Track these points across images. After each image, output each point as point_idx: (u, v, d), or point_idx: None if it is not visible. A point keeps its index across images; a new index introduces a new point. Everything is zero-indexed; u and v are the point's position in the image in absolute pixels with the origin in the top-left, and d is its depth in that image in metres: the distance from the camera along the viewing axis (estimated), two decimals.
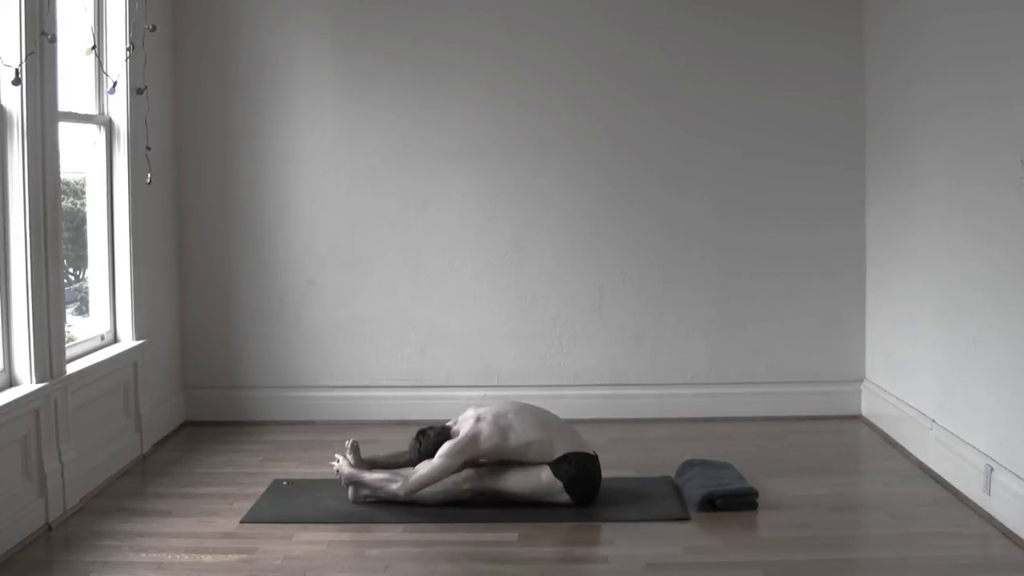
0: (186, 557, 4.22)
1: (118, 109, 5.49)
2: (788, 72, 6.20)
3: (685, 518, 4.60)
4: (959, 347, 4.88)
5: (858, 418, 6.24)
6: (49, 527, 4.53)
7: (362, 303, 6.32)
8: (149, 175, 5.35)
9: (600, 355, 6.33)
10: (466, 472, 4.74)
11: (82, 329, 5.46)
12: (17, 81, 4.22)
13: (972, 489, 4.66)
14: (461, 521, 4.58)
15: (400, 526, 4.56)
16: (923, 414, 5.29)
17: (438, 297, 6.32)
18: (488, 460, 4.75)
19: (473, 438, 4.69)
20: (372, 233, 6.29)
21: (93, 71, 5.35)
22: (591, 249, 6.30)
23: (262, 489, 5.03)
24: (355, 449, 4.89)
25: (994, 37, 4.50)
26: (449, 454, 4.66)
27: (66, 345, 4.82)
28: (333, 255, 6.31)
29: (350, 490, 4.83)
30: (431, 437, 4.76)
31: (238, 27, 6.22)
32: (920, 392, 5.37)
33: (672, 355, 6.33)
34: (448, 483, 4.71)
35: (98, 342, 5.41)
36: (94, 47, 5.12)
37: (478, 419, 4.76)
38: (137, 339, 5.60)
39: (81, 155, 5.42)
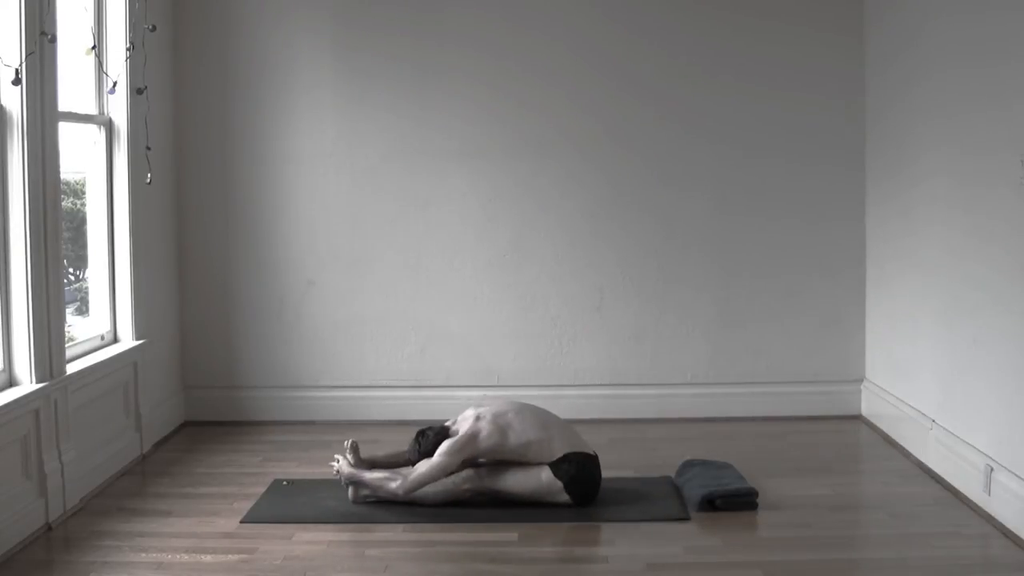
0: (186, 557, 4.22)
1: (118, 109, 5.49)
2: (788, 72, 6.20)
3: (685, 518, 4.60)
4: (959, 347, 4.87)
5: (858, 418, 6.24)
6: (49, 527, 4.53)
7: (362, 303, 6.32)
8: (149, 175, 5.35)
9: (600, 355, 6.33)
10: (466, 472, 4.74)
11: (82, 329, 5.46)
12: (17, 81, 4.22)
13: (972, 489, 4.66)
14: (461, 521, 4.57)
15: (400, 526, 4.56)
16: (923, 414, 5.29)
17: (438, 297, 6.32)
18: (488, 460, 4.75)
19: (472, 437, 4.69)
20: (372, 233, 6.29)
21: (93, 71, 5.35)
22: (591, 249, 6.30)
23: (262, 489, 5.03)
24: (355, 449, 4.89)
25: (994, 37, 4.50)
26: (448, 452, 4.66)
27: (66, 345, 4.82)
28: (333, 255, 6.31)
29: (350, 490, 4.83)
30: (430, 437, 4.76)
31: (238, 27, 6.22)
32: (920, 392, 5.37)
33: (672, 355, 6.33)
34: (448, 483, 4.71)
35: (98, 342, 5.41)
36: (94, 47, 5.12)
37: (477, 418, 4.76)
38: (137, 339, 5.60)
39: (81, 155, 5.41)
